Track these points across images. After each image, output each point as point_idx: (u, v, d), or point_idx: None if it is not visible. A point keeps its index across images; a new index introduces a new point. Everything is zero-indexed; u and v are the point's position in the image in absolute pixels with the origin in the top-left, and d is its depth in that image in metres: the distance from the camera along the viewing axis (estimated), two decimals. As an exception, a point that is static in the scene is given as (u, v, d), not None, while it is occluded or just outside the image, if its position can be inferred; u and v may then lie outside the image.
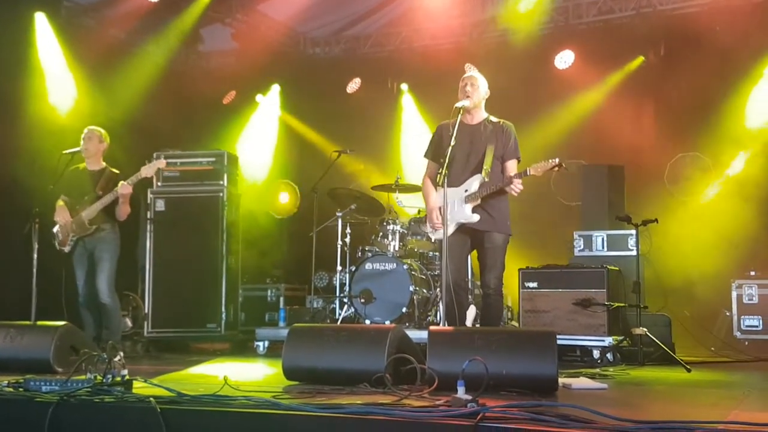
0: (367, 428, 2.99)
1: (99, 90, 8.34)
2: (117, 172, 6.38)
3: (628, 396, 4.35)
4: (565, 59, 9.14)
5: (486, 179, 5.16)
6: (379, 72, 10.10)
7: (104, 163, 6.45)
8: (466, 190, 5.21)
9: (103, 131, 6.45)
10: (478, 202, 5.18)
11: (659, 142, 8.46)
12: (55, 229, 6.24)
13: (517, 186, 5.05)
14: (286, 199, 10.32)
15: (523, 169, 5.10)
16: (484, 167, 5.17)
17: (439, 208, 5.12)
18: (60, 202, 6.26)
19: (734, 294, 7.37)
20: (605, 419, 2.85)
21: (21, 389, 3.74)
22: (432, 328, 4.46)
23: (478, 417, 2.83)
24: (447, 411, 3.01)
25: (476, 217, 5.17)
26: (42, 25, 8.13)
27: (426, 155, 5.56)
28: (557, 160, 4.96)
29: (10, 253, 6.88)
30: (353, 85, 10.19)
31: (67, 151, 6.23)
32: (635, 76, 8.89)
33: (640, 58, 8.86)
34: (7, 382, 3.89)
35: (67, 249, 6.22)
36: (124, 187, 6.11)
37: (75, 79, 8.29)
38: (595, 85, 8.94)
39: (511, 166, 5.29)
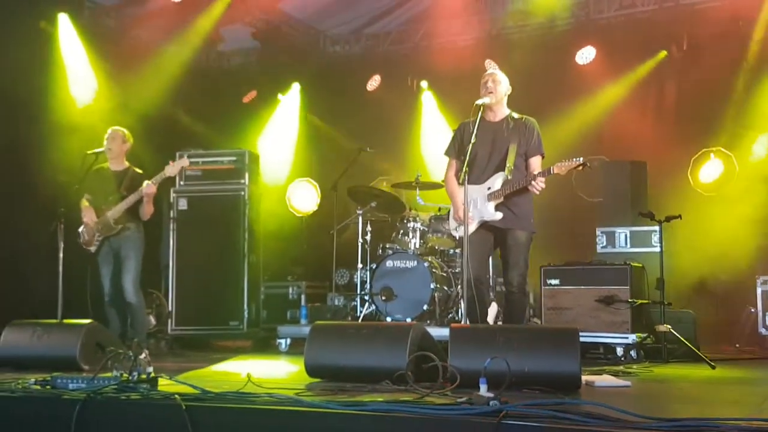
0: (389, 426, 3.00)
1: (121, 90, 8.42)
2: (140, 171, 6.45)
3: (651, 393, 4.32)
4: (586, 55, 9.07)
5: (509, 177, 5.15)
6: (399, 69, 10.08)
7: (127, 163, 6.52)
8: (489, 188, 5.21)
9: (126, 131, 6.51)
10: (501, 200, 5.17)
11: (682, 137, 8.37)
12: (81, 229, 6.32)
13: (539, 184, 5.03)
14: (307, 197, 10.35)
15: (547, 168, 5.07)
16: (507, 165, 5.16)
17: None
18: (85, 202, 6.33)
19: (759, 290, 7.27)
20: (628, 417, 2.84)
21: (48, 387, 3.80)
22: (453, 325, 4.46)
23: (501, 415, 2.84)
24: (469, 409, 3.01)
25: (499, 215, 5.16)
26: (65, 25, 8.22)
27: (447, 153, 5.55)
28: (581, 159, 4.93)
29: (36, 252, 6.99)
30: (373, 83, 10.19)
31: (92, 152, 6.29)
32: (658, 70, 8.80)
33: (663, 53, 8.77)
34: (34, 379, 3.96)
35: (92, 249, 6.29)
36: (149, 187, 6.17)
37: (97, 79, 8.37)
38: (617, 80, 8.86)
39: (536, 163, 5.27)
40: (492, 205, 5.17)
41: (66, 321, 5.50)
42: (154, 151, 7.68)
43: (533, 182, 5.02)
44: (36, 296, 6.78)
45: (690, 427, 2.67)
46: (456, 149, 5.45)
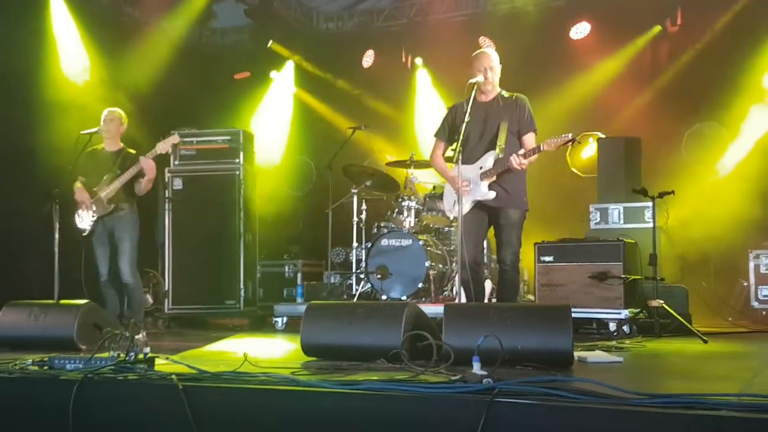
0: (384, 404, 3.03)
1: (114, 68, 8.39)
2: (134, 152, 6.43)
3: (643, 369, 4.37)
4: (580, 30, 9.04)
5: (500, 155, 5.16)
6: (393, 46, 10.05)
7: (122, 144, 6.51)
8: (481, 167, 5.22)
9: (123, 113, 6.49)
10: (494, 178, 5.18)
11: (677, 112, 8.38)
12: (78, 211, 6.31)
13: (518, 159, 5.02)
14: (302, 175, 10.37)
15: (537, 145, 5.09)
16: (498, 143, 5.16)
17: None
18: (78, 184, 6.33)
19: (751, 264, 7.34)
20: (620, 393, 2.87)
21: (46, 367, 3.82)
22: (447, 303, 4.49)
23: (493, 393, 2.87)
24: (462, 387, 3.05)
25: (492, 194, 5.18)
26: (57, 3, 8.16)
27: (436, 134, 5.55)
28: (570, 135, 4.95)
29: (30, 233, 6.99)
30: (368, 59, 10.14)
31: (85, 132, 6.26)
32: (652, 45, 8.79)
33: (657, 28, 8.75)
34: (31, 360, 3.98)
35: (88, 229, 6.29)
36: (146, 161, 6.14)
37: (90, 58, 8.33)
38: (612, 55, 8.86)
39: (529, 140, 5.28)
40: (485, 184, 5.18)
41: (63, 302, 5.52)
42: (147, 131, 7.68)
43: (512, 161, 5.03)
44: (31, 277, 6.82)
45: (681, 404, 2.70)
46: (446, 131, 5.46)
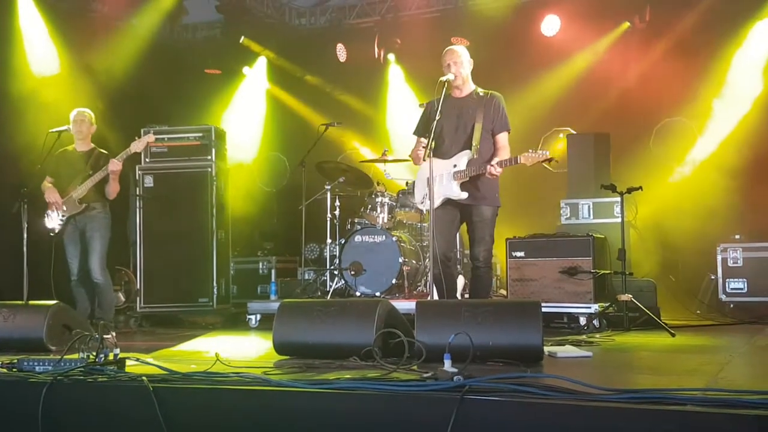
0: (356, 403, 3.05)
1: (83, 65, 8.29)
2: (105, 152, 6.38)
3: (612, 364, 4.43)
4: (550, 25, 9.09)
5: (475, 156, 5.18)
6: (366, 43, 10.02)
7: (92, 144, 6.45)
8: (454, 165, 5.23)
9: (92, 114, 6.44)
10: (467, 179, 5.20)
11: (645, 108, 8.47)
12: (48, 211, 6.24)
13: (495, 170, 5.06)
14: (275, 171, 10.33)
15: (514, 157, 5.08)
16: (473, 144, 5.18)
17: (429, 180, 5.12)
18: (47, 183, 6.26)
19: (719, 258, 7.45)
20: (589, 389, 2.91)
21: (14, 369, 3.78)
22: (419, 301, 4.52)
23: (464, 390, 2.90)
24: (433, 384, 3.07)
25: (464, 195, 5.19)
26: (24, 1, 8.04)
27: (416, 132, 5.58)
28: (548, 153, 4.96)
29: (-1, 233, 6.90)
30: (341, 53, 10.10)
31: (54, 130, 6.20)
32: (621, 41, 8.87)
33: (626, 24, 8.84)
34: (0, 362, 3.93)
35: (57, 229, 6.23)
36: (114, 164, 6.13)
37: (59, 55, 8.22)
38: (581, 51, 8.92)
39: (502, 139, 5.30)
40: (457, 184, 5.20)
41: (32, 302, 5.45)
42: (118, 128, 7.61)
43: (490, 170, 5.05)
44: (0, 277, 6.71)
45: (648, 399, 2.74)
46: (423, 127, 5.47)
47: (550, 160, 4.99)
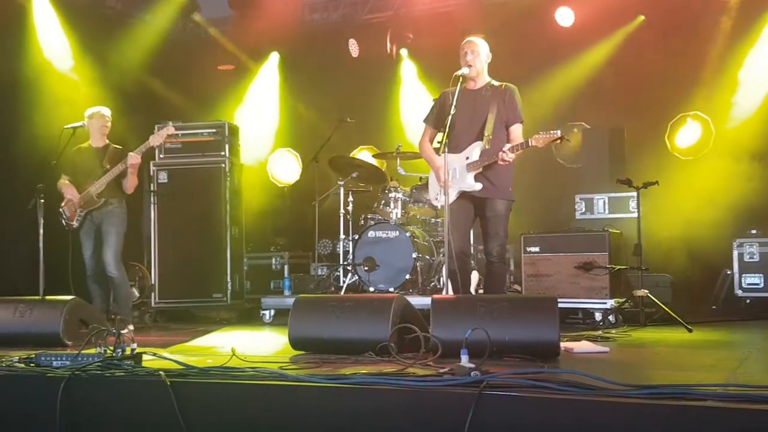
0: (372, 398, 3.05)
1: (97, 62, 8.31)
2: (120, 147, 6.40)
3: (629, 359, 4.41)
4: (564, 16, 9.01)
5: (487, 146, 5.16)
6: (379, 38, 9.97)
7: (107, 140, 6.48)
8: (467, 158, 5.22)
9: (109, 112, 6.47)
10: (480, 170, 5.19)
11: (661, 102, 8.41)
12: (62, 206, 6.27)
13: (507, 156, 5.03)
14: (288, 167, 10.31)
15: (525, 140, 5.08)
16: (486, 134, 5.16)
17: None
18: (63, 181, 6.29)
19: (735, 253, 7.39)
20: (607, 384, 2.90)
21: (32, 365, 3.81)
22: (435, 296, 4.51)
23: (482, 385, 2.89)
24: (451, 380, 3.06)
25: (479, 186, 5.18)
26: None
27: (426, 120, 5.55)
28: (559, 132, 4.94)
29: (15, 229, 6.93)
30: (354, 49, 10.07)
31: (69, 126, 6.22)
32: (636, 35, 8.80)
33: (641, 18, 8.77)
34: (18, 357, 3.96)
35: (75, 224, 6.26)
36: (133, 158, 6.15)
37: (73, 52, 8.25)
38: (595, 45, 8.85)
39: (516, 131, 5.28)
40: (471, 175, 5.19)
41: (48, 297, 5.49)
42: (132, 124, 7.62)
43: (502, 155, 5.03)
44: (17, 273, 6.75)
45: (666, 395, 2.73)
46: (434, 117, 5.46)
47: (561, 138, 4.97)
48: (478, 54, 5.27)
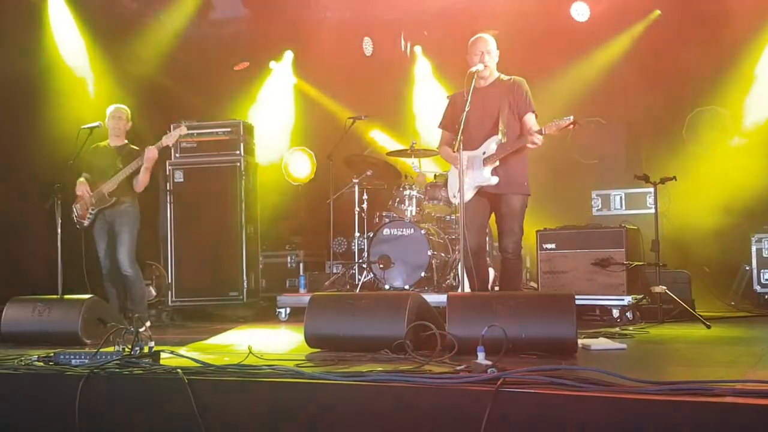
0: (389, 395, 3.05)
1: (113, 62, 8.35)
2: (137, 148, 6.44)
3: (647, 356, 4.37)
4: (580, 11, 8.95)
5: (503, 140, 5.17)
6: (393, 34, 9.97)
7: (126, 140, 6.52)
8: (484, 153, 5.24)
9: (128, 111, 6.51)
10: (497, 163, 5.20)
11: (677, 96, 8.34)
12: (75, 204, 6.32)
13: (536, 139, 5.04)
14: (303, 165, 10.33)
15: (538, 129, 5.09)
16: (500, 128, 5.18)
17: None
18: (81, 179, 6.34)
19: (754, 248, 7.33)
20: (624, 381, 2.88)
21: (51, 363, 3.84)
22: (450, 293, 4.50)
23: (499, 382, 2.88)
24: (467, 377, 3.05)
25: (495, 180, 5.19)
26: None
27: (441, 126, 5.61)
28: (572, 118, 4.95)
29: (33, 228, 6.98)
30: (368, 47, 10.06)
31: (86, 126, 6.26)
32: (652, 30, 8.73)
33: (656, 12, 8.70)
34: (36, 356, 3.99)
35: (86, 222, 6.30)
36: (151, 151, 6.19)
37: (89, 51, 8.29)
38: (612, 40, 8.80)
39: (530, 120, 5.30)
40: (488, 169, 5.21)
41: (66, 296, 5.53)
42: (147, 123, 7.64)
43: (532, 138, 5.03)
44: (35, 272, 6.81)
45: (685, 391, 2.70)
46: (449, 120, 5.50)
47: (575, 123, 4.96)
48: (491, 53, 5.29)
